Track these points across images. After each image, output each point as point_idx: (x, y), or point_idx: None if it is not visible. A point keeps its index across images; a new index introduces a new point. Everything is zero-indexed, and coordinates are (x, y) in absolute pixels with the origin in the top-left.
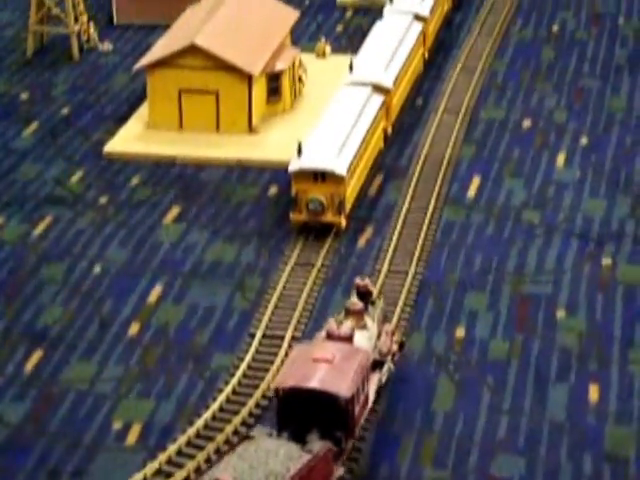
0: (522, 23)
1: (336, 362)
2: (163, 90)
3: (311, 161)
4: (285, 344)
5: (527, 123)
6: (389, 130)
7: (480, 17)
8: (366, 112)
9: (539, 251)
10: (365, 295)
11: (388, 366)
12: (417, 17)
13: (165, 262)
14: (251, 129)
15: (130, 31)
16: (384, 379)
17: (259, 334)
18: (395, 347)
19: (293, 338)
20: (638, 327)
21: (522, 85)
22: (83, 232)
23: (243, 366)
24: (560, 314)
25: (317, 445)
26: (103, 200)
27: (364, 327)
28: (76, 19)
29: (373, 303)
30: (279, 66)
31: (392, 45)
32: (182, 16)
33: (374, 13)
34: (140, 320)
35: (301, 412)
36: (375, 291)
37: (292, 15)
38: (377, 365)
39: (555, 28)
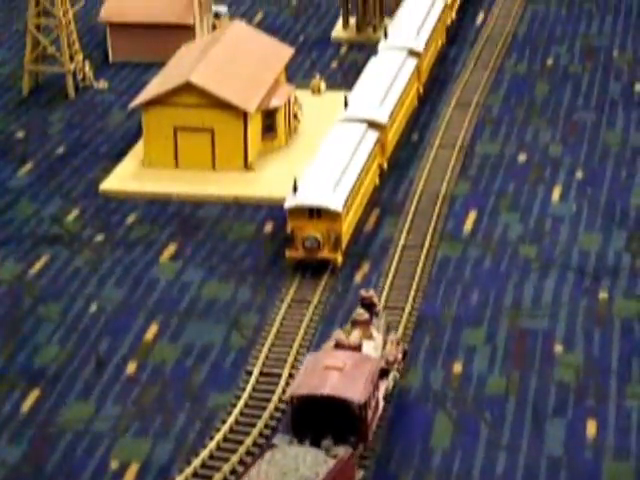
0: (516, 57)
1: (347, 369)
2: (158, 128)
3: (306, 198)
4: (282, 382)
5: (522, 157)
6: (384, 166)
7: (474, 52)
8: (361, 148)
9: (536, 285)
10: (370, 307)
11: (394, 374)
12: (411, 52)
13: (161, 300)
14: (247, 166)
15: (126, 69)
16: (391, 386)
17: (256, 372)
18: (400, 356)
19: (290, 376)
20: (635, 361)
21: (517, 119)
22: (79, 271)
23: (240, 404)
24: (557, 349)
25: (341, 450)
26: (99, 238)
27: (370, 337)
28: (72, 58)
29: (377, 314)
30: (274, 103)
31: (387, 81)
32: (177, 54)
33: (369, 49)
34: (137, 359)
35: (315, 419)
36: (379, 303)
37: (287, 52)
38: (384, 373)
39: (549, 62)
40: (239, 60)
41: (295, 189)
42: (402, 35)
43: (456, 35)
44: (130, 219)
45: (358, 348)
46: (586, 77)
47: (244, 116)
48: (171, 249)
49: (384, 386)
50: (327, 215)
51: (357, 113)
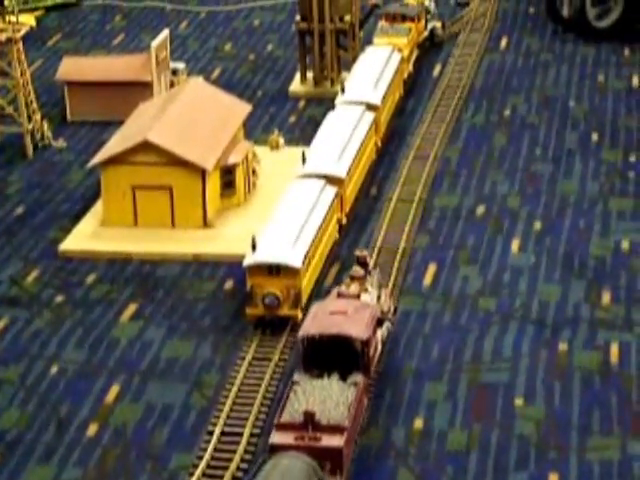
0: (474, 109)
1: (350, 313)
2: (117, 187)
3: (265, 255)
4: (244, 440)
5: (481, 209)
6: (343, 220)
7: (432, 103)
8: (320, 203)
9: (496, 338)
10: (364, 265)
11: (387, 324)
12: (369, 106)
13: (122, 360)
14: (206, 223)
15: (84, 127)
16: (385, 335)
17: (217, 431)
18: (392, 308)
19: (252, 435)
20: (596, 414)
21: (475, 171)
22: (40, 332)
23: (202, 465)
24: (518, 402)
25: (358, 377)
26: (59, 299)
27: (366, 290)
28: (30, 117)
29: (370, 273)
30: (232, 160)
31: (344, 135)
32: (135, 112)
33: (327, 103)
34: (98, 420)
35: (323, 357)
36: (371, 262)
37: (245, 108)
38: (379, 322)
39: (506, 113)
40: (197, 117)
41: (254, 246)
42: (359, 89)
43: (413, 87)
44: (90, 279)
45: (357, 297)
46: (543, 128)
47: (202, 174)
48: (131, 308)
49: (380, 333)
50: (286, 272)
51: (315, 168)
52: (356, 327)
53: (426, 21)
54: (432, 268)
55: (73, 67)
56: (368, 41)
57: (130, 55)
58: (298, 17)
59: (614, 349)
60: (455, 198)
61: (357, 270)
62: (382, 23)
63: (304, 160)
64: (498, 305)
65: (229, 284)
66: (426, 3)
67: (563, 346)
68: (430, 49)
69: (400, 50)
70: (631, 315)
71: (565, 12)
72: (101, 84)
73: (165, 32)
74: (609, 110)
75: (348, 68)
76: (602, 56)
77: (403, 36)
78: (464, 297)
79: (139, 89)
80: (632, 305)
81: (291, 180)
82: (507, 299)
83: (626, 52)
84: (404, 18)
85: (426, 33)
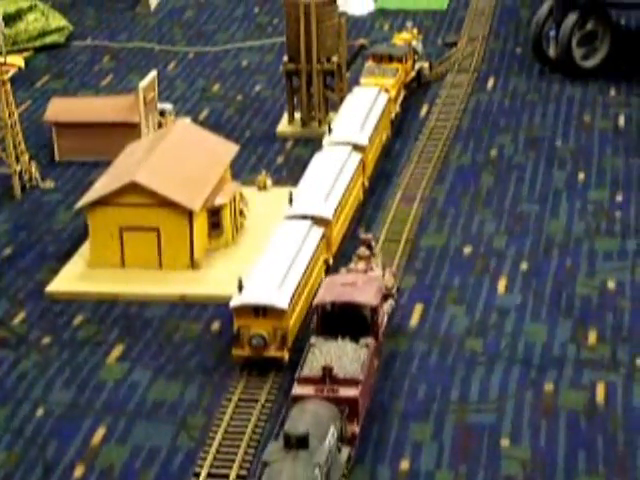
0: (461, 149)
1: (359, 285)
2: (104, 228)
3: (252, 296)
4: None
5: (468, 249)
6: (330, 261)
7: (419, 144)
8: (306, 244)
9: (482, 379)
10: (369, 247)
11: (390, 302)
12: (356, 147)
13: (109, 402)
14: (193, 265)
15: (72, 168)
16: (389, 311)
17: (204, 473)
18: (395, 287)
19: (238, 477)
20: (581, 454)
21: (462, 211)
22: (26, 374)
23: None
24: (504, 443)
25: (368, 341)
26: (46, 340)
27: (372, 269)
28: (17, 159)
29: (374, 254)
30: (219, 201)
31: (331, 176)
32: (122, 153)
33: (314, 143)
34: (84, 462)
35: (335, 324)
36: (375, 245)
37: (232, 149)
38: (384, 297)
39: (493, 153)
40: (184, 158)
41: (240, 288)
42: (346, 130)
43: (401, 128)
44: (77, 320)
45: (365, 272)
46: (530, 167)
47: (189, 215)
48: (118, 350)
49: (385, 307)
50: (273, 313)
51: (302, 209)
52: (365, 295)
53: (413, 61)
54: (419, 308)
55: (61, 108)
56: (356, 81)
57: (118, 96)
58: (286, 58)
59: (600, 389)
60: (442, 238)
61: (363, 251)
62: (369, 63)
63: (291, 201)
64: (485, 345)
65: (216, 325)
66: (413, 43)
67: (549, 386)
68: (417, 89)
69: (387, 91)
70: (617, 355)
71: (551, 52)
72: (89, 125)
73: (153, 73)
74: (595, 150)
75: (336, 109)
76: (588, 96)
77: (390, 77)
78: (451, 337)
79: (127, 130)
80: (618, 345)
81: (278, 221)
82: (494, 339)
83: (612, 92)
84: (391, 59)
85: (413, 73)
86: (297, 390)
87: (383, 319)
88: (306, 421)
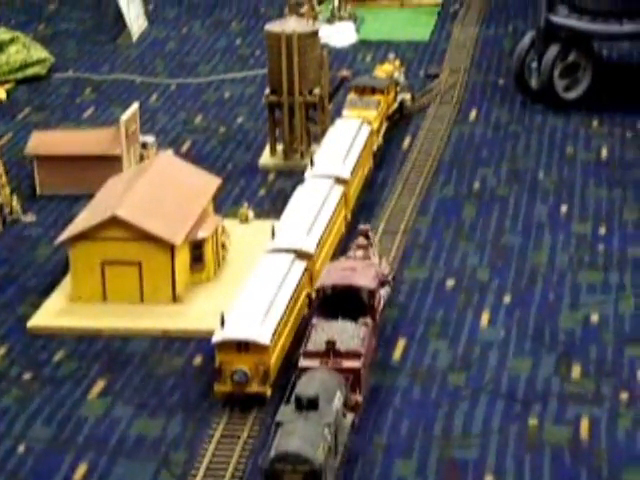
0: (443, 181)
1: (358, 270)
2: (86, 262)
3: (234, 331)
4: None
5: (451, 282)
6: (313, 295)
7: (402, 176)
8: (289, 278)
9: (466, 413)
10: (366, 237)
11: (387, 289)
12: (338, 180)
13: (90, 438)
14: (175, 299)
15: (54, 202)
16: (385, 297)
17: None
18: (391, 275)
19: None
20: None
21: (445, 244)
22: (7, 410)
23: None
24: (488, 478)
25: (367, 320)
26: (27, 376)
27: (369, 258)
28: None
29: (371, 244)
30: (201, 234)
31: (314, 209)
32: (104, 186)
33: (297, 176)
34: None
35: (335, 306)
36: (372, 235)
37: (214, 182)
38: (381, 284)
39: (476, 185)
40: (166, 192)
41: (222, 323)
42: (328, 162)
43: (383, 160)
44: (58, 356)
45: (363, 259)
46: (513, 199)
47: (171, 249)
48: (100, 385)
49: (382, 292)
50: (255, 348)
51: (284, 243)
52: (364, 279)
53: (396, 93)
54: (402, 342)
55: (42, 141)
56: (338, 113)
57: (100, 129)
58: (268, 90)
59: (584, 424)
60: (425, 271)
61: (362, 240)
62: (351, 96)
63: (273, 234)
64: (468, 380)
65: (198, 360)
66: (395, 75)
67: (533, 421)
68: (400, 121)
69: (370, 123)
70: (601, 389)
71: (534, 84)
72: (71, 158)
73: (135, 105)
74: (578, 182)
75: (318, 141)
76: (571, 127)
77: (372, 108)
78: (434, 372)
79: (109, 163)
80: (602, 379)
81: (260, 254)
82: (477, 373)
83: (595, 123)
84: (374, 90)
85: (396, 105)
86: (303, 363)
87: (380, 303)
88: (315, 386)
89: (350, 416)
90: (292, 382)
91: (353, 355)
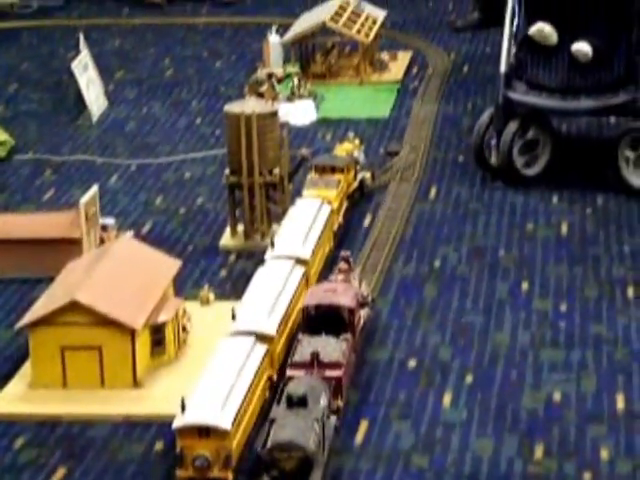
0: (404, 259)
1: (339, 291)
2: (45, 348)
3: (194, 416)
4: None
5: (412, 363)
6: (274, 377)
7: (363, 255)
8: (250, 361)
9: None
10: (347, 262)
11: (366, 310)
12: (298, 260)
13: None
14: (136, 383)
15: (13, 286)
16: (365, 316)
17: None
18: (370, 298)
19: None
20: None
21: (406, 323)
22: None
23: None
24: None
25: (347, 335)
26: None
27: (350, 281)
28: None
29: (352, 269)
30: (162, 318)
31: (274, 291)
32: (64, 270)
33: (258, 256)
34: None
35: (317, 325)
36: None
37: (174, 264)
38: (361, 305)
39: (437, 264)
40: (126, 275)
41: (183, 407)
42: (288, 243)
43: (344, 239)
44: (18, 443)
45: (344, 282)
46: (473, 278)
47: (131, 333)
48: (61, 472)
49: (362, 312)
50: (216, 433)
51: (245, 325)
52: (344, 299)
53: (356, 172)
54: (364, 425)
55: (0, 224)
56: (299, 193)
57: (59, 212)
58: (227, 170)
59: None
60: (386, 351)
61: (342, 265)
62: (311, 175)
63: (234, 317)
64: (431, 462)
65: (159, 445)
66: (355, 154)
67: None
68: (360, 200)
69: (330, 202)
70: (564, 470)
71: (493, 160)
72: (29, 241)
73: (94, 188)
74: (538, 259)
75: (279, 221)
76: (531, 204)
77: (332, 188)
78: (396, 454)
79: (68, 246)
80: (564, 459)
81: (221, 337)
82: (440, 455)
83: (554, 199)
84: (333, 170)
85: (356, 184)
86: (290, 372)
87: (360, 321)
88: (303, 387)
89: (334, 418)
90: (281, 388)
91: (335, 365)
